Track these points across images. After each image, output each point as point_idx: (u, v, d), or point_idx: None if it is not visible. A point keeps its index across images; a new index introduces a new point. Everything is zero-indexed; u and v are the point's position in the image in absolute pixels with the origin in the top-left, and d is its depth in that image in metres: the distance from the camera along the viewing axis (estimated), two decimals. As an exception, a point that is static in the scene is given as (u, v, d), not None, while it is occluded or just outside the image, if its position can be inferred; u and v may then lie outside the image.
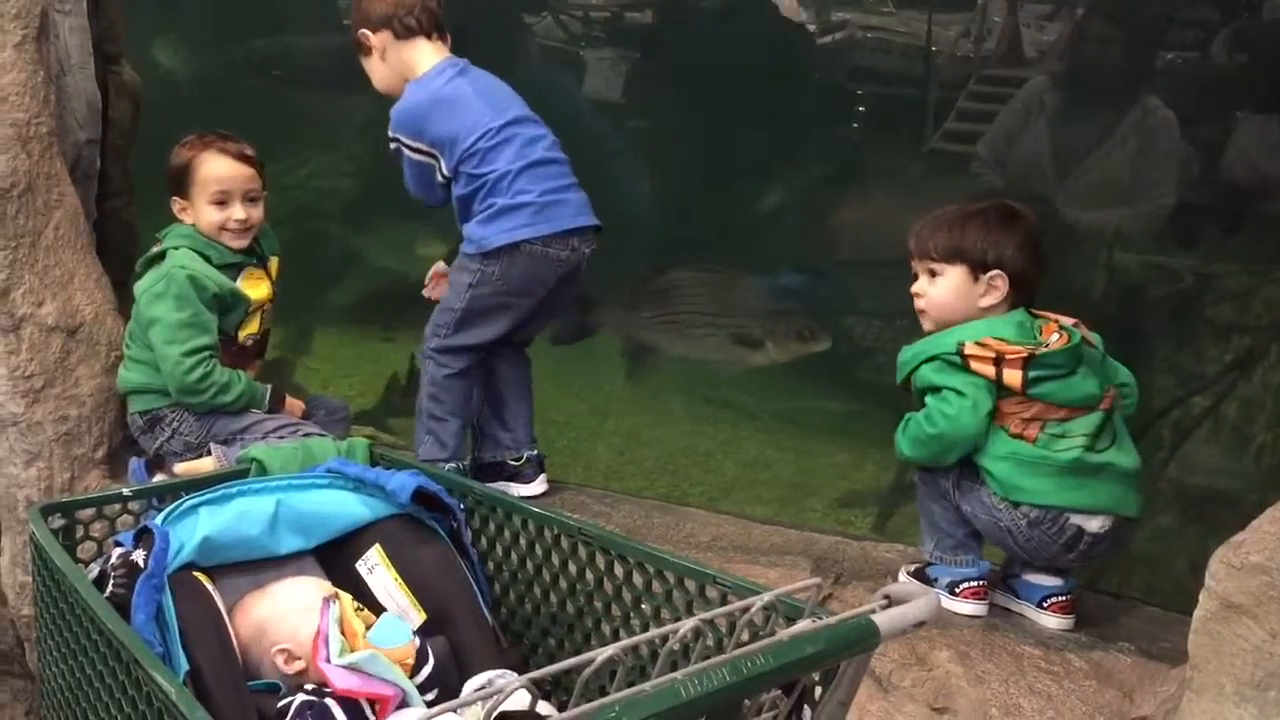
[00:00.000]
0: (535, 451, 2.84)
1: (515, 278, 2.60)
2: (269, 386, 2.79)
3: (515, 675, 1.20)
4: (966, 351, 2.19)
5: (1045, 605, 2.23)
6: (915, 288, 2.33)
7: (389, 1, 2.70)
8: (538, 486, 2.82)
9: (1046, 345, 2.19)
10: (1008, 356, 2.17)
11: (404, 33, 2.70)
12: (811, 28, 6.04)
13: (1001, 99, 4.87)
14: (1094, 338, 2.28)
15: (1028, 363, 2.16)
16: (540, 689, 1.29)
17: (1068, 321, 2.25)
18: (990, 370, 2.17)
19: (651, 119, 5.49)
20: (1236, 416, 4.19)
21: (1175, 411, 4.21)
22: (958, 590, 2.24)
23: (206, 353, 2.67)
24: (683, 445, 5.33)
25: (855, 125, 5.84)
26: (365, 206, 6.09)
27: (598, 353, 5.47)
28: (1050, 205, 4.19)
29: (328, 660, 1.74)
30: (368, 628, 1.84)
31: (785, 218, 5.84)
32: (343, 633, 1.79)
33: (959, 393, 2.18)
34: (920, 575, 2.30)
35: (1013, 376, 2.17)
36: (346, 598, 1.90)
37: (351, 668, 1.74)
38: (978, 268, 2.25)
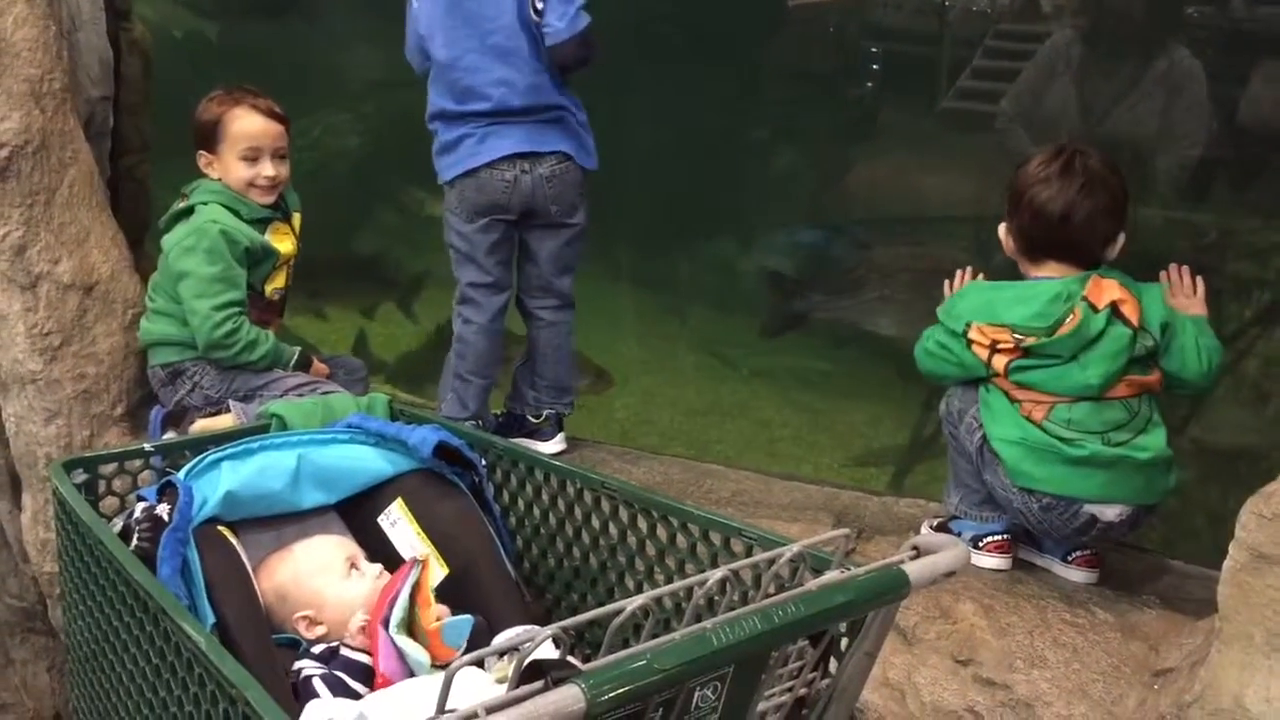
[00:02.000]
0: (557, 410, 2.83)
1: (470, 205, 2.69)
2: (297, 349, 2.78)
3: (542, 629, 1.19)
4: (970, 334, 2.20)
5: (1070, 559, 2.21)
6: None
7: None
8: (555, 445, 2.82)
9: (1051, 335, 2.13)
10: (999, 346, 2.16)
11: None
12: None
13: (1017, 55, 4.81)
14: (1148, 316, 2.16)
15: (1023, 352, 2.14)
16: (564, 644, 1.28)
17: (1108, 298, 2.14)
18: (985, 355, 2.18)
19: (659, 74, 5.44)
20: (1257, 373, 4.16)
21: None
22: (982, 544, 2.22)
23: (236, 308, 2.67)
24: (698, 405, 5.33)
25: (869, 83, 5.79)
26: (376, 166, 6.08)
27: (609, 314, 5.46)
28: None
29: (386, 624, 1.71)
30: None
31: (803, 175, 5.81)
32: (412, 599, 1.75)
33: (949, 351, 2.24)
34: (944, 529, 2.29)
35: (999, 363, 2.16)
36: (432, 565, 1.87)
37: (401, 654, 1.71)
38: (1007, 215, 2.24)
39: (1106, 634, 1.97)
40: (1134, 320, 2.13)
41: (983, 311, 2.20)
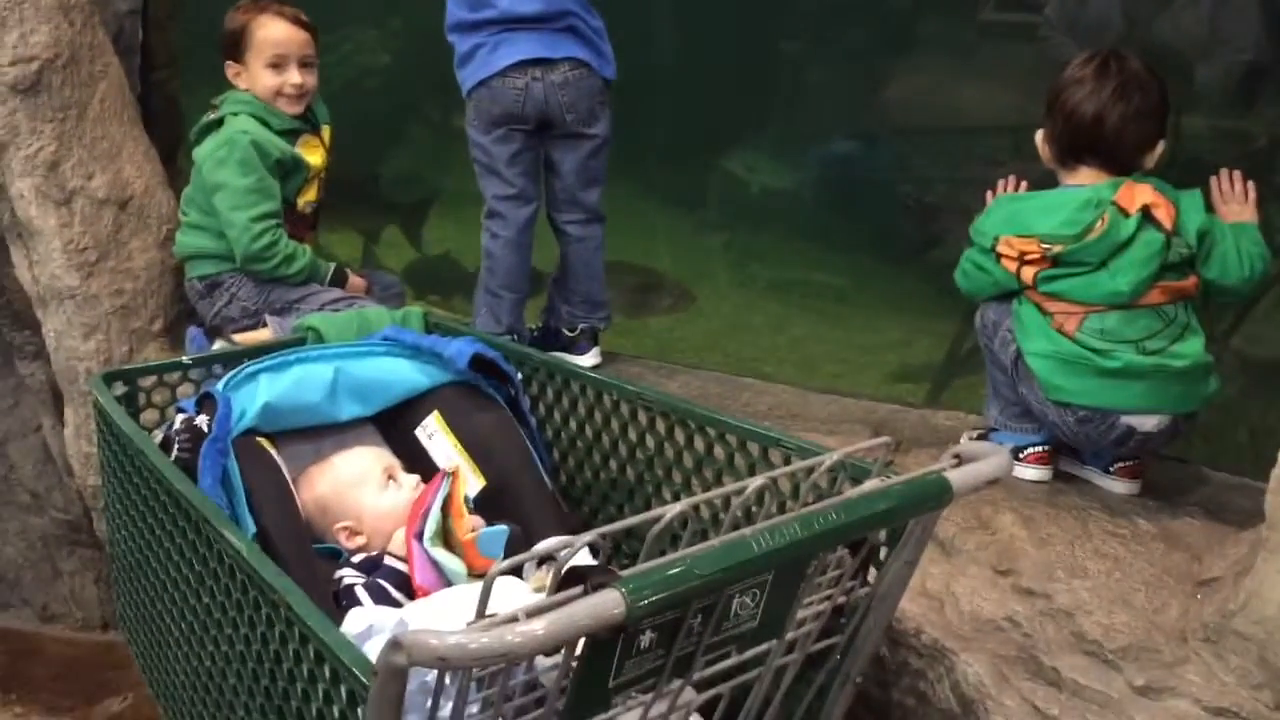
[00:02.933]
0: (591, 324, 2.82)
1: (485, 115, 2.66)
2: (333, 264, 2.77)
3: (580, 535, 1.19)
4: (999, 249, 2.17)
5: (1112, 470, 2.19)
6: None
7: None
8: (590, 359, 2.81)
9: (1082, 238, 2.08)
10: (1027, 257, 2.12)
11: None
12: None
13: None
14: (1185, 220, 2.10)
15: (1051, 262, 2.10)
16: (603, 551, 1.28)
17: (1140, 201, 2.09)
18: (1014, 267, 2.15)
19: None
20: (1304, 286, 4.08)
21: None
22: (1022, 455, 2.20)
23: (273, 220, 2.66)
24: (732, 320, 5.29)
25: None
26: (407, 84, 6.01)
27: (641, 229, 5.41)
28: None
29: (419, 537, 1.71)
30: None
31: (836, 86, 5.69)
32: (445, 511, 1.76)
33: (982, 269, 2.21)
34: (984, 440, 2.27)
35: (1028, 274, 2.12)
36: (463, 477, 1.87)
37: (437, 566, 1.71)
38: (1047, 121, 2.18)
39: (1149, 544, 1.96)
40: (1168, 225, 2.08)
41: (1010, 223, 2.16)
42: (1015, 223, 2.17)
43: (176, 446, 1.76)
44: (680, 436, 1.86)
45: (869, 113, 5.68)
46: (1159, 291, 2.10)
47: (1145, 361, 2.07)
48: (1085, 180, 2.16)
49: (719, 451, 1.82)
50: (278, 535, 1.74)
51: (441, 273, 4.88)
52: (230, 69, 2.76)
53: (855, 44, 5.56)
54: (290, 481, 1.85)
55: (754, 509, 1.52)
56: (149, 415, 2.07)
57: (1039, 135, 2.23)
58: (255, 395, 1.90)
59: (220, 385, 1.88)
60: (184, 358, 2.12)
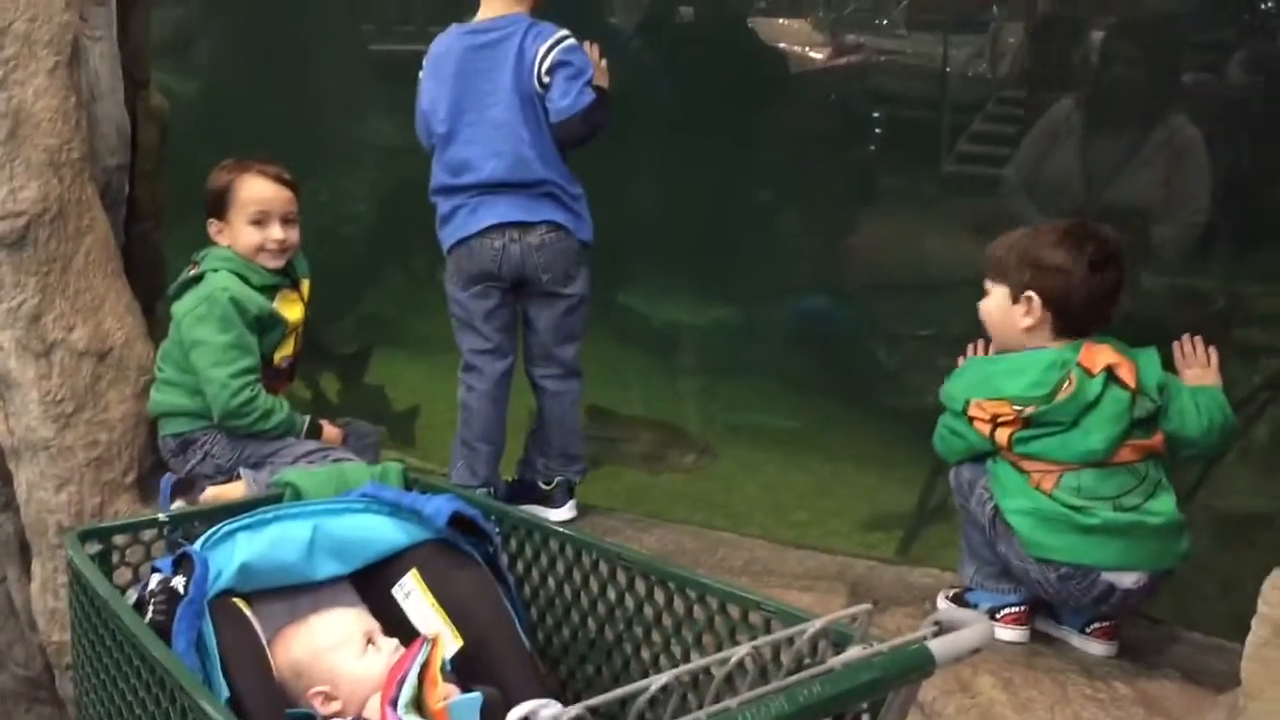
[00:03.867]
0: (567, 477, 2.83)
1: (464, 272, 2.74)
2: (307, 417, 2.79)
3: (559, 705, 1.18)
4: (970, 411, 2.22)
5: (1088, 631, 2.20)
6: (981, 302, 2.33)
7: None
8: (566, 512, 2.82)
9: (1049, 402, 2.14)
10: (1000, 419, 2.17)
11: None
12: (827, 51, 6.08)
13: (1017, 121, 4.87)
14: (1145, 379, 2.18)
15: (1024, 423, 2.15)
16: None
17: (1102, 362, 2.16)
18: (987, 429, 2.20)
19: (665, 141, 5.50)
20: (1267, 439, 4.16)
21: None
22: (999, 616, 2.21)
23: (251, 376, 2.68)
24: (705, 466, 5.31)
25: (871, 147, 5.86)
26: (385, 232, 6.13)
27: (615, 374, 5.46)
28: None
29: (394, 704, 1.69)
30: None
31: (806, 239, 5.85)
32: (421, 680, 1.73)
33: (956, 433, 2.27)
34: (959, 600, 2.28)
35: (1002, 436, 2.18)
36: (442, 644, 1.85)
37: None
38: (1015, 288, 2.24)
39: (1129, 709, 1.96)
40: (1131, 383, 2.15)
41: (980, 387, 2.22)
42: (984, 386, 2.22)
43: (151, 608, 1.74)
44: (660, 597, 1.85)
45: (837, 264, 5.84)
46: (1130, 449, 2.15)
47: (1122, 518, 2.11)
48: (1047, 344, 2.22)
49: (699, 613, 1.81)
50: (251, 701, 1.71)
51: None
52: (212, 226, 2.81)
53: (823, 198, 5.75)
54: (265, 644, 1.82)
55: (735, 676, 1.51)
56: (122, 573, 2.04)
57: (998, 300, 2.28)
58: (233, 555, 1.88)
59: (198, 544, 1.87)
60: (160, 515, 2.09)
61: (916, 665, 1.35)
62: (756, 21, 6.19)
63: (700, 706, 1.24)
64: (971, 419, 2.21)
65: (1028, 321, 2.23)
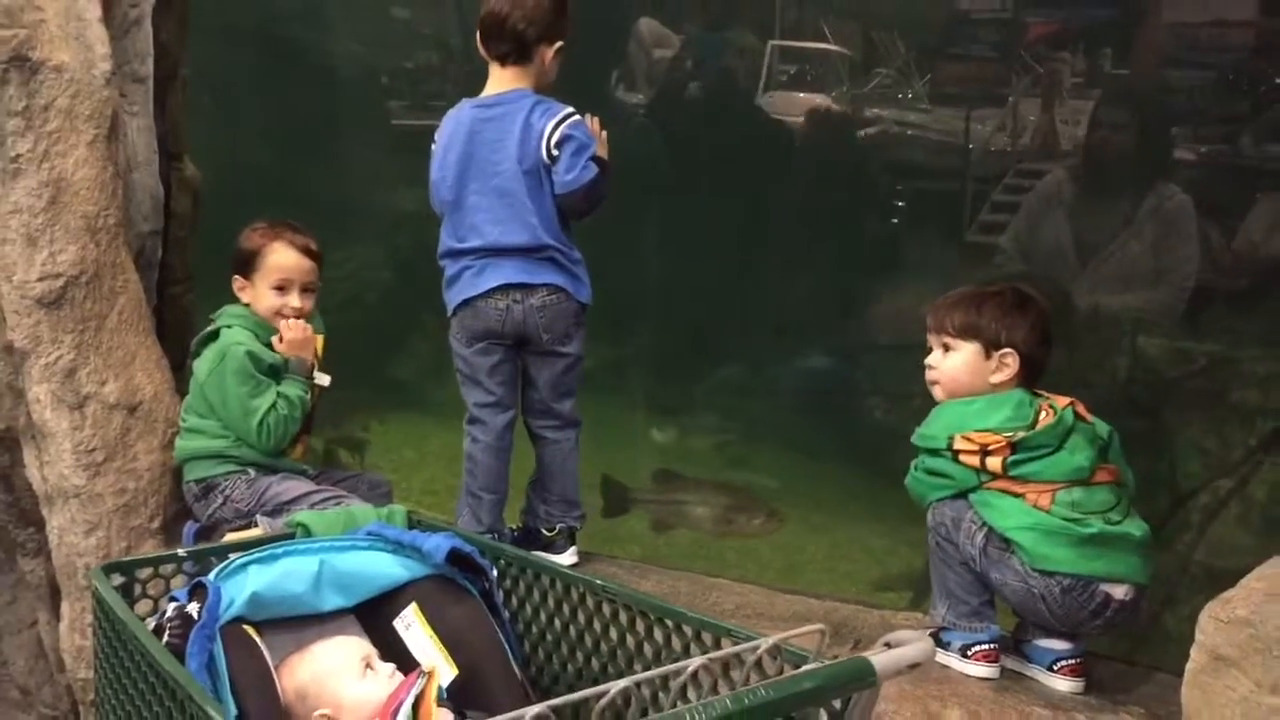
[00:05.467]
0: (568, 524, 2.96)
1: (468, 331, 2.89)
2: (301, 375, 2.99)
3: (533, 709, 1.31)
4: (955, 446, 2.35)
5: (1055, 668, 2.30)
6: (929, 360, 2.48)
7: (483, 8, 2.89)
8: (568, 558, 2.94)
9: (1033, 428, 2.32)
10: (991, 448, 2.32)
11: (483, 48, 2.92)
12: (851, 124, 6.25)
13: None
14: (1094, 421, 2.39)
15: (1012, 448, 2.30)
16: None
17: (1061, 402, 2.37)
18: (976, 461, 2.34)
19: (691, 211, 5.68)
20: (1265, 498, 4.23)
21: (1203, 495, 4.27)
22: (970, 653, 2.31)
23: (272, 411, 2.89)
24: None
25: (895, 220, 6.03)
26: (410, 296, 6.34)
27: (626, 439, 5.60)
28: (1072, 292, 4.34)
29: None
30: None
31: (821, 303, 6.00)
32: (416, 711, 1.86)
33: (937, 473, 2.40)
34: (935, 640, 2.38)
35: (994, 463, 2.32)
36: (438, 676, 1.98)
37: None
38: (991, 346, 2.40)
39: (1088, 739, 2.05)
40: (1089, 419, 2.37)
41: (961, 425, 2.36)
42: (965, 424, 2.37)
43: (168, 632, 1.88)
44: (640, 628, 1.97)
45: (853, 328, 5.97)
46: (1104, 472, 2.34)
47: (1113, 530, 2.29)
48: (1008, 388, 2.40)
49: (676, 642, 1.93)
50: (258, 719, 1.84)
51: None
52: (236, 282, 3.00)
53: (836, 262, 5.90)
54: (273, 669, 1.96)
55: (690, 690, 1.63)
56: (143, 605, 2.18)
57: (971, 359, 2.43)
58: (244, 585, 2.03)
59: (212, 574, 2.01)
60: (179, 550, 2.25)
61: (858, 676, 1.47)
62: (782, 96, 6.37)
63: (658, 713, 1.37)
64: (957, 454, 2.35)
65: (1000, 377, 2.39)
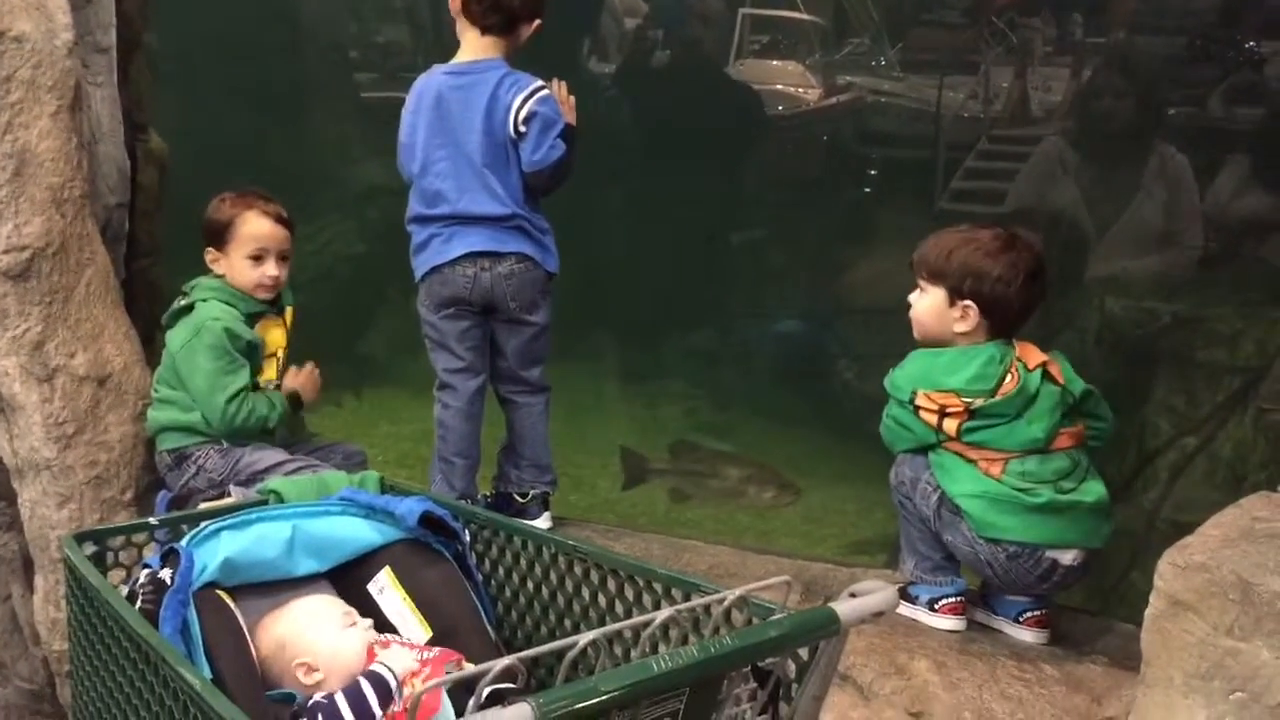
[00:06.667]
0: (541, 489, 2.98)
1: (436, 297, 2.89)
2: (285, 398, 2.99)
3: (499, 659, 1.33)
4: (917, 401, 2.37)
5: (1021, 619, 2.34)
6: (910, 297, 2.48)
7: None
8: (542, 523, 2.96)
9: (994, 395, 2.31)
10: (949, 410, 2.33)
11: (466, 14, 2.87)
12: (821, 92, 6.26)
13: (1008, 158, 5.06)
14: (1066, 375, 2.38)
15: (970, 414, 2.31)
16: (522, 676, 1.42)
17: (1033, 361, 2.35)
18: (934, 420, 2.36)
19: (665, 181, 5.68)
20: (1231, 454, 4.29)
21: (1170, 453, 4.34)
22: (937, 606, 2.35)
23: (244, 393, 2.87)
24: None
25: (867, 187, 6.05)
26: (382, 269, 6.33)
27: (599, 404, 5.61)
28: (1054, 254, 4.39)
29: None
30: None
31: (800, 271, 6.03)
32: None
33: (902, 424, 2.42)
34: (903, 594, 2.42)
35: (950, 426, 2.34)
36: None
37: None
38: (954, 294, 2.39)
39: (1052, 688, 2.09)
40: (1059, 379, 2.36)
41: (925, 380, 2.37)
42: (928, 379, 2.38)
43: (140, 598, 1.89)
44: (611, 586, 1.99)
45: (824, 296, 6.00)
46: (1065, 436, 2.34)
47: (1063, 499, 2.29)
48: (981, 338, 2.39)
49: (647, 599, 1.95)
50: (233, 682, 1.85)
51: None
52: (209, 254, 2.98)
53: (813, 231, 5.93)
54: (246, 630, 1.97)
55: (660, 646, 1.65)
56: (116, 575, 2.19)
57: (932, 302, 2.43)
58: (217, 551, 2.03)
59: (184, 540, 2.02)
60: (151, 519, 2.25)
61: (823, 624, 1.50)
62: (756, 63, 6.37)
63: (628, 663, 1.39)
64: (918, 409, 2.36)
65: (963, 327, 2.40)
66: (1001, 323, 2.39)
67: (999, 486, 2.30)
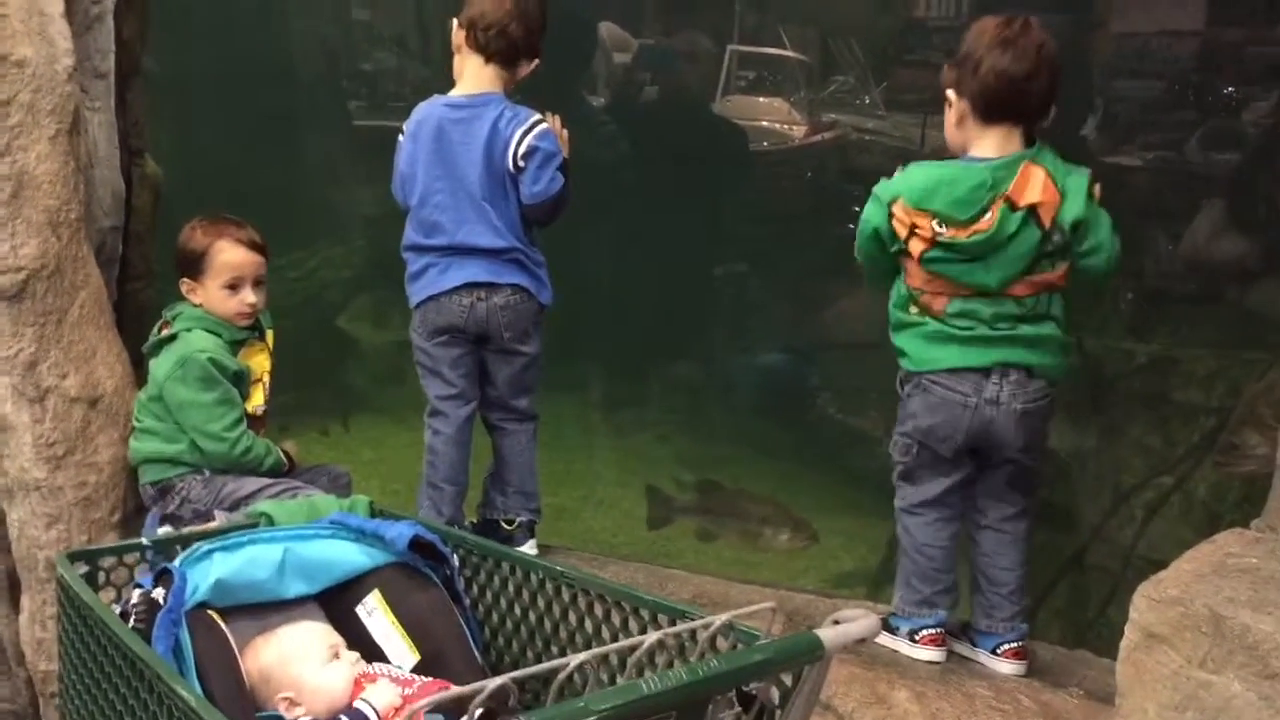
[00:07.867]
0: (527, 517, 3.01)
1: (430, 325, 2.93)
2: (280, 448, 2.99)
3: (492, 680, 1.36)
4: (893, 208, 2.37)
5: (999, 652, 2.38)
6: None
7: (477, 7, 2.89)
8: (527, 550, 2.98)
9: (966, 229, 2.27)
10: (918, 231, 2.33)
11: (470, 43, 2.89)
12: (805, 129, 6.34)
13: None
14: (1063, 214, 2.27)
15: (933, 244, 2.31)
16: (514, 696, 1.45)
17: (1025, 200, 2.25)
18: (903, 231, 2.35)
19: (648, 214, 5.74)
20: (1207, 494, 4.36)
21: (1147, 491, 4.41)
22: (918, 637, 2.39)
23: (243, 427, 2.88)
24: (677, 523, 5.47)
25: (851, 224, 6.12)
26: (370, 296, 6.37)
27: (583, 433, 5.65)
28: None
29: None
30: None
31: (778, 305, 6.09)
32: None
33: (871, 220, 2.43)
34: (885, 625, 2.45)
35: (916, 247, 2.34)
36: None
37: None
38: (948, 88, 2.37)
39: (1029, 719, 2.13)
40: (1047, 222, 2.28)
41: (911, 193, 2.33)
42: (915, 193, 2.33)
43: (133, 617, 1.91)
44: (598, 611, 2.03)
45: (808, 330, 6.06)
46: (1026, 285, 2.32)
47: (996, 333, 2.31)
48: (993, 145, 2.32)
49: (633, 625, 1.98)
50: (223, 703, 1.86)
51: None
52: (185, 285, 2.97)
53: (793, 265, 5.99)
54: (237, 652, 1.99)
55: (646, 670, 1.69)
56: (106, 594, 2.21)
57: (952, 114, 2.36)
58: (209, 571, 2.06)
59: (177, 561, 2.05)
60: (143, 539, 2.28)
61: (806, 649, 1.53)
62: (742, 99, 6.45)
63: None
64: (892, 214, 2.36)
65: (954, 117, 2.35)
66: (986, 103, 2.29)
67: (935, 324, 2.34)
